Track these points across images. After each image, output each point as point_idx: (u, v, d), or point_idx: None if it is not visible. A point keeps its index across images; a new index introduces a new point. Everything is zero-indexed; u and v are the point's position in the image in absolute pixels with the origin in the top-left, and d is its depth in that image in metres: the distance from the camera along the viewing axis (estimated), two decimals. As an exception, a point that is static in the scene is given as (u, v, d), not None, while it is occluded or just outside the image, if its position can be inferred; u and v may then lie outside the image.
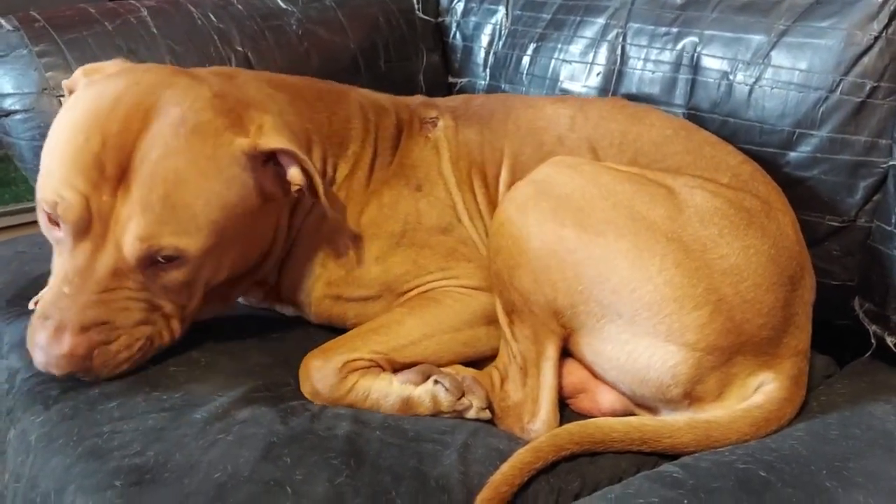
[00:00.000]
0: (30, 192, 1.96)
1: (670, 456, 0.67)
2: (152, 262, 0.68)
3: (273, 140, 0.71)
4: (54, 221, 0.68)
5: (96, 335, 0.67)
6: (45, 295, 0.70)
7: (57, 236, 0.69)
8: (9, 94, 0.96)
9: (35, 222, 0.73)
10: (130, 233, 0.66)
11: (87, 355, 0.67)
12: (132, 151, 0.67)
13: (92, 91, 0.71)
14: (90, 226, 0.67)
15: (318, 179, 0.72)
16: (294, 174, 0.73)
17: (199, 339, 0.78)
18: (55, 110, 0.95)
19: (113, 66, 0.76)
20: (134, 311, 0.69)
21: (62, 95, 0.95)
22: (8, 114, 0.97)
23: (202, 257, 0.69)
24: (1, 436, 0.75)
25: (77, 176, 0.66)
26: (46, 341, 0.67)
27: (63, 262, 0.68)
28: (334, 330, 0.82)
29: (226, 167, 0.69)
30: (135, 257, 0.67)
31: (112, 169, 0.66)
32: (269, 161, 0.72)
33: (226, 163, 0.69)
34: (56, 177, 0.67)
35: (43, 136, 0.94)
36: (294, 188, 0.74)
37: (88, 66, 0.76)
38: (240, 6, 1.06)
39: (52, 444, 0.66)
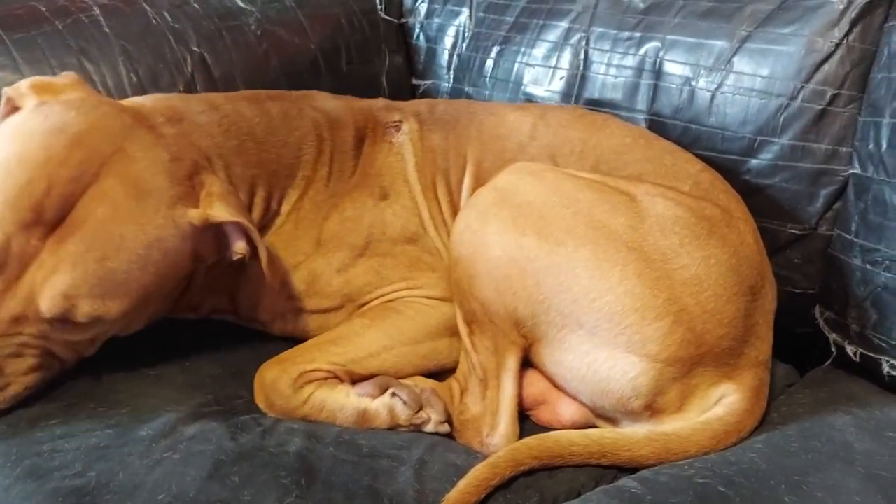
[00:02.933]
0: None
1: (630, 469, 0.66)
2: (65, 319, 0.64)
3: (223, 212, 0.68)
4: None
5: None
6: None
7: None
8: (-47, 94, 0.93)
9: None
10: (54, 287, 0.62)
11: None
12: (77, 202, 0.63)
13: (44, 123, 0.65)
14: (2, 266, 0.62)
15: (263, 249, 0.70)
16: (240, 246, 0.71)
17: (148, 348, 0.75)
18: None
19: (65, 83, 0.71)
20: (27, 358, 0.65)
21: (8, 96, 0.92)
22: (-48, 114, 0.94)
23: (118, 319, 0.67)
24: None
25: (7, 214, 0.61)
26: None
27: None
28: (291, 339, 0.80)
29: (171, 238, 0.67)
30: (51, 313, 0.62)
31: (50, 215, 0.62)
32: (210, 228, 0.70)
33: (172, 233, 0.67)
34: None
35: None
36: (236, 257, 0.72)
37: (38, 82, 0.71)
38: (196, 5, 1.03)
39: (-11, 464, 0.63)
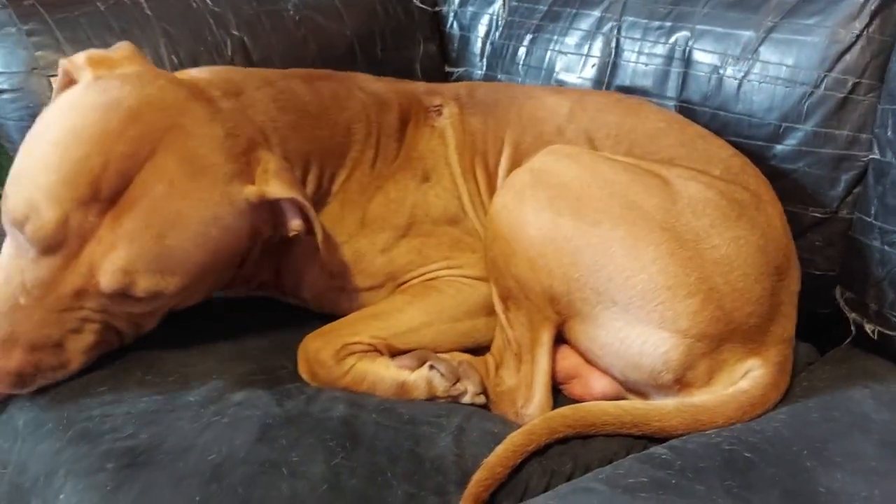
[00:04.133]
0: None
1: (659, 439, 0.68)
2: (125, 294, 0.64)
3: (279, 189, 0.69)
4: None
5: (47, 357, 0.64)
6: None
7: (19, 239, 0.63)
8: (-4, 73, 0.95)
9: None
10: (113, 263, 0.62)
11: (32, 377, 0.64)
12: (134, 178, 0.63)
13: (100, 98, 0.65)
14: (63, 243, 0.62)
15: (318, 226, 0.71)
16: (296, 224, 0.72)
17: (193, 321, 0.77)
18: (44, 90, 0.93)
19: (121, 55, 0.71)
20: (87, 334, 0.66)
21: (53, 75, 0.93)
22: (-5, 93, 0.96)
23: (177, 294, 0.67)
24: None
25: (65, 189, 0.61)
26: None
27: (23, 268, 0.63)
28: (332, 315, 0.81)
29: (227, 215, 0.67)
30: (111, 288, 0.63)
31: (107, 191, 0.62)
32: (268, 204, 0.70)
33: (228, 210, 0.67)
34: (36, 185, 0.62)
35: (32, 116, 0.93)
36: (292, 232, 0.72)
37: (94, 55, 0.70)
38: (236, -11, 1.05)
39: (40, 429, 0.65)
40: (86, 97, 0.66)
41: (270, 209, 0.72)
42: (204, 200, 0.66)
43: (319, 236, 0.71)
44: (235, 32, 1.01)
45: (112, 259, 0.62)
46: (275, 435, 0.63)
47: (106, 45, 0.94)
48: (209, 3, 1.02)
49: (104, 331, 0.67)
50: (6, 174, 0.67)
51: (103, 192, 0.62)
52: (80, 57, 0.70)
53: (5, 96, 0.94)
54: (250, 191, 0.68)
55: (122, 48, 0.72)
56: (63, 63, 0.71)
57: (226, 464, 0.60)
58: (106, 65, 0.69)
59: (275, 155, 0.72)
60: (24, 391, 0.66)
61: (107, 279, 0.63)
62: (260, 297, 0.86)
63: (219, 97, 0.72)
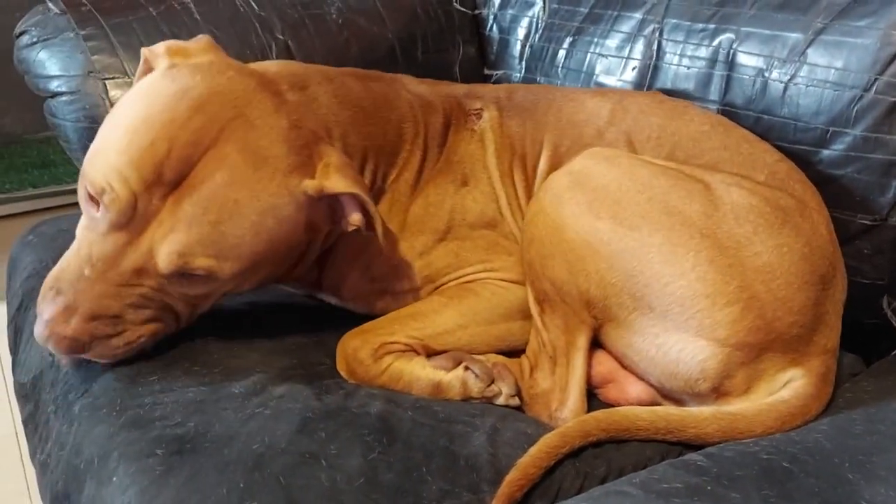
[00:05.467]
0: (68, 175, 1.97)
1: (694, 446, 0.68)
2: (181, 275, 0.67)
3: (339, 184, 0.69)
4: (94, 199, 0.67)
5: (103, 326, 0.66)
6: (62, 265, 0.68)
7: (93, 214, 0.67)
8: (55, 76, 0.99)
9: (74, 204, 0.72)
10: (170, 245, 0.65)
11: (88, 343, 0.67)
12: (195, 165, 0.65)
13: (170, 87, 0.67)
14: (130, 220, 0.65)
15: (378, 220, 0.71)
16: (355, 218, 0.72)
17: (236, 317, 0.80)
18: (100, 92, 0.97)
19: (198, 46, 0.73)
20: (145, 310, 0.68)
21: (108, 78, 0.98)
22: (54, 95, 1.00)
23: (232, 278, 0.69)
24: (43, 406, 0.77)
25: (133, 172, 0.64)
26: (52, 316, 0.65)
27: (91, 243, 0.67)
28: (372, 314, 0.83)
29: (285, 206, 0.68)
30: (167, 269, 0.66)
31: (170, 176, 0.65)
32: (326, 198, 0.71)
33: (286, 202, 0.68)
34: (111, 163, 0.65)
35: (87, 117, 0.97)
36: (351, 228, 0.73)
37: (172, 45, 0.73)
38: (280, -6, 1.08)
39: (95, 414, 0.68)
40: (158, 85, 0.69)
41: (329, 204, 0.73)
42: (262, 191, 0.67)
43: (380, 230, 0.72)
44: (280, 36, 1.04)
45: (170, 241, 0.65)
46: (314, 428, 0.65)
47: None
48: (255, 7, 1.05)
49: (161, 309, 0.70)
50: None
51: (166, 176, 0.65)
52: (160, 46, 0.73)
53: (63, 98, 0.99)
54: (309, 184, 0.69)
55: (199, 40, 0.75)
56: (144, 52, 0.74)
57: (268, 453, 0.62)
58: (182, 54, 0.72)
59: (336, 150, 0.73)
60: (79, 356, 0.68)
61: (164, 260, 0.65)
62: (300, 295, 0.88)
63: (286, 90, 0.73)
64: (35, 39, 1.00)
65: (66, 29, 0.99)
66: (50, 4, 1.02)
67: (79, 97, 0.97)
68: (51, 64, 0.99)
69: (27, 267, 0.95)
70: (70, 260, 0.68)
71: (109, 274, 0.66)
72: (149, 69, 0.73)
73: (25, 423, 0.84)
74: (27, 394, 0.83)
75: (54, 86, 0.99)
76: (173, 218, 0.65)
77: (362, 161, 0.79)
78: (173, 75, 0.69)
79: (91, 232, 0.67)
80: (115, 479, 0.62)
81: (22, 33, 1.02)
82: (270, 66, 0.79)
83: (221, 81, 0.69)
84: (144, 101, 0.68)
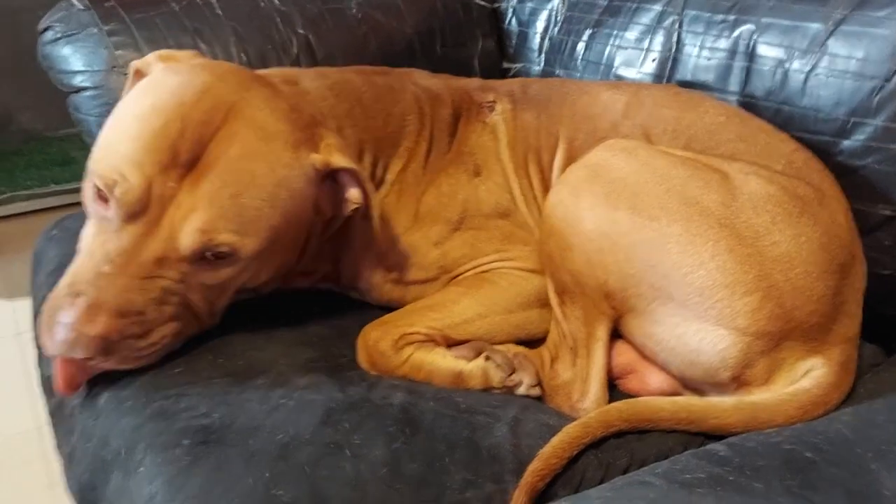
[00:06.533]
0: None
1: (716, 437, 0.68)
2: (203, 256, 0.67)
3: (341, 160, 0.72)
4: (103, 197, 0.66)
5: (130, 325, 0.65)
6: (74, 271, 0.67)
7: (101, 213, 0.67)
8: (79, 72, 1.00)
9: None
10: (192, 223, 0.65)
11: (117, 342, 0.65)
12: (208, 144, 0.66)
13: (176, 78, 0.70)
14: (146, 209, 0.65)
15: (374, 199, 0.74)
16: (354, 194, 0.74)
17: (258, 310, 0.80)
18: (123, 87, 0.99)
19: (188, 56, 0.76)
20: (167, 306, 0.68)
21: (131, 73, 0.99)
22: (78, 90, 1.01)
23: (251, 259, 0.69)
24: (68, 400, 0.78)
25: (147, 156, 0.65)
26: (76, 318, 0.63)
27: (105, 241, 0.66)
28: (389, 307, 0.84)
29: (297, 178, 0.70)
30: (191, 248, 0.66)
31: (185, 157, 0.65)
32: (329, 179, 0.74)
33: (298, 174, 0.70)
34: (120, 154, 0.65)
35: (111, 112, 0.99)
36: (351, 206, 0.74)
37: (164, 53, 0.76)
38: (301, -11, 1.08)
39: (121, 406, 0.69)
40: (161, 79, 0.71)
41: (332, 185, 0.74)
42: (276, 162, 0.69)
43: (375, 210, 0.74)
44: (301, 31, 1.04)
45: (192, 220, 0.65)
46: (338, 419, 0.66)
47: (180, 43, 0.99)
48: (276, 2, 1.06)
49: (181, 306, 0.70)
50: (84, 168, 0.72)
51: (181, 157, 0.66)
52: (152, 55, 0.76)
53: (87, 93, 1.00)
54: (317, 158, 0.71)
55: (188, 52, 0.78)
56: (134, 63, 0.77)
57: (293, 444, 0.63)
58: (174, 60, 0.75)
59: (333, 133, 0.75)
60: (108, 361, 0.67)
61: (187, 239, 0.65)
62: (320, 289, 0.88)
63: (278, 83, 0.76)
64: (59, 35, 1.01)
65: (90, 24, 1.00)
66: (74, 0, 1.03)
67: (102, 92, 0.99)
68: (75, 59, 1.00)
69: (52, 260, 0.96)
70: (83, 263, 0.67)
71: (130, 267, 0.65)
72: (141, 78, 0.75)
73: (51, 415, 0.85)
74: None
75: (78, 81, 1.00)
76: (193, 197, 0.66)
77: (359, 152, 0.81)
78: (175, 70, 0.72)
79: (102, 233, 0.67)
80: (141, 469, 0.63)
81: (46, 29, 1.03)
82: (261, 70, 0.82)
83: (221, 72, 0.72)
84: (150, 94, 0.69)
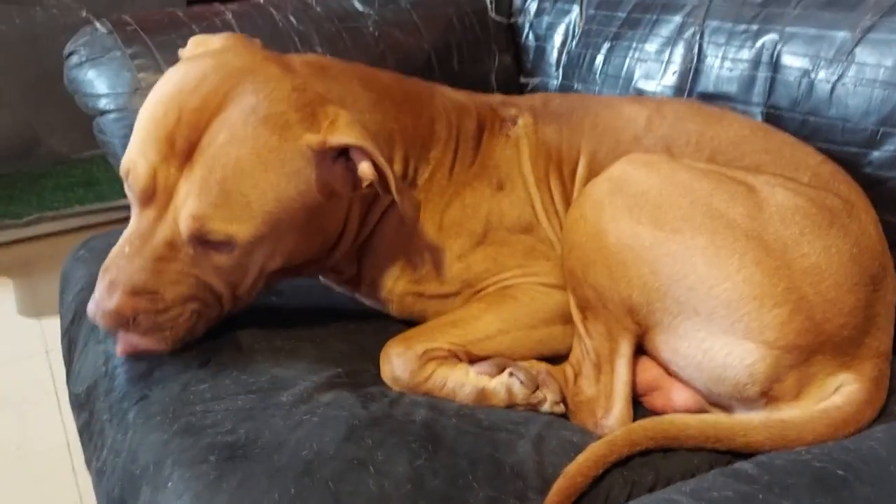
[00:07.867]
0: (113, 193, 2.01)
1: (744, 455, 0.66)
2: (203, 241, 0.69)
3: (343, 136, 0.69)
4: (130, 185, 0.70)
5: (143, 301, 0.69)
6: (113, 249, 0.72)
7: (130, 199, 0.71)
8: (104, 95, 1.02)
9: (118, 221, 0.76)
10: (186, 209, 0.67)
11: (132, 317, 0.69)
12: (203, 131, 0.68)
13: (183, 67, 0.72)
14: (155, 195, 0.68)
15: (389, 173, 0.71)
16: (364, 169, 0.71)
17: (281, 327, 0.81)
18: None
19: (219, 39, 0.77)
20: (182, 286, 0.70)
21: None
22: (103, 113, 1.02)
23: (252, 245, 0.70)
24: (98, 415, 0.80)
25: (150, 146, 0.68)
26: (100, 294, 0.69)
27: (130, 225, 0.71)
28: (411, 321, 0.84)
29: (288, 160, 0.69)
30: (187, 234, 0.68)
31: (182, 145, 0.67)
32: (339, 157, 0.72)
33: (289, 156, 0.69)
34: (133, 144, 0.69)
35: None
36: (365, 184, 0.73)
37: (198, 38, 0.78)
38: (318, 9, 1.09)
39: (149, 422, 0.70)
40: (170, 72, 0.73)
41: (344, 165, 0.73)
42: (262, 146, 0.68)
43: (392, 185, 0.71)
44: (318, 49, 1.05)
45: (186, 207, 0.68)
46: (361, 435, 0.66)
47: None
48: (294, 21, 1.07)
49: (199, 288, 0.71)
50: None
51: (178, 145, 0.68)
52: (190, 41, 0.78)
53: (111, 116, 1.02)
54: (311, 138, 0.69)
55: (225, 35, 0.79)
56: (179, 52, 0.79)
57: (317, 460, 0.63)
58: (204, 44, 0.77)
59: (348, 112, 0.72)
60: (131, 335, 0.71)
61: (182, 226, 0.68)
62: (340, 305, 0.89)
63: (299, 65, 0.76)
64: (84, 59, 1.03)
65: (113, 48, 1.02)
66: (97, 24, 1.05)
67: (126, 114, 1.00)
68: (99, 82, 1.02)
69: (79, 281, 0.98)
70: (117, 244, 0.72)
71: (145, 249, 0.69)
72: None
73: (81, 431, 0.86)
74: (82, 403, 0.86)
75: (102, 104, 1.02)
76: (188, 184, 0.68)
77: (389, 142, 0.79)
78: (189, 61, 0.74)
79: (132, 218, 0.71)
80: (170, 484, 0.64)
81: (71, 53, 1.05)
82: (296, 55, 0.82)
83: (227, 57, 0.72)
84: (160, 85, 0.72)
